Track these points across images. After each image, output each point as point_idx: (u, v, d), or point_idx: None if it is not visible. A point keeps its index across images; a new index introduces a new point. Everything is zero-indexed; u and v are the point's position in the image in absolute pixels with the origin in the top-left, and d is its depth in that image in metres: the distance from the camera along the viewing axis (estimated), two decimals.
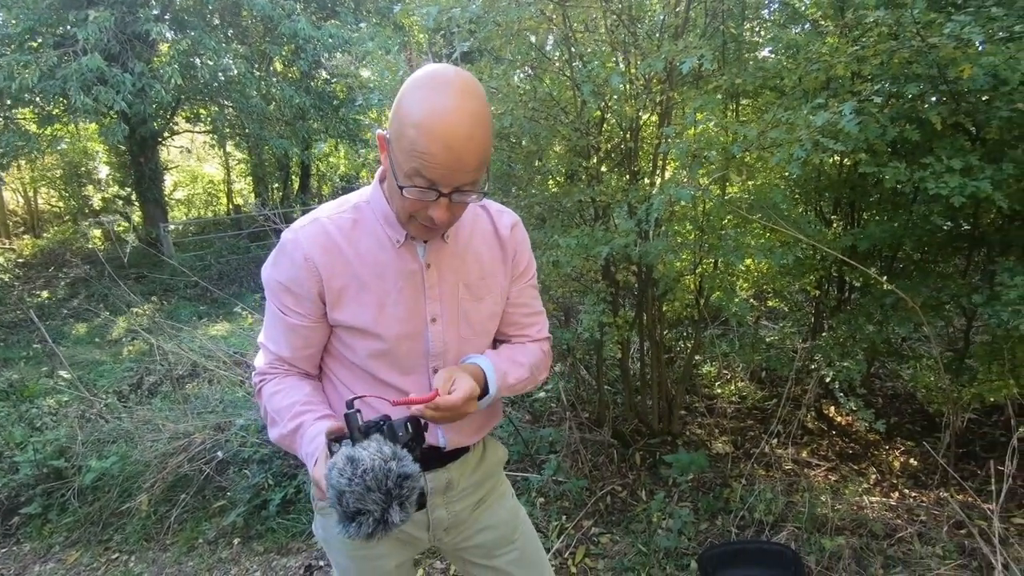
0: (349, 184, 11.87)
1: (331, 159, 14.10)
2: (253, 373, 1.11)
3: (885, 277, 2.19)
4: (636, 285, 2.72)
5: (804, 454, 2.75)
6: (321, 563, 2.44)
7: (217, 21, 10.02)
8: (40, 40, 8.15)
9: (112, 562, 2.63)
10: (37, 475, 2.96)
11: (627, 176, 2.52)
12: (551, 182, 2.86)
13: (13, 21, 7.72)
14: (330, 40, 8.89)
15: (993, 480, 1.78)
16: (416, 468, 0.85)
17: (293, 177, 13.78)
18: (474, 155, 0.87)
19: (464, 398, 0.96)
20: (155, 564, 2.57)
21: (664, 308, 2.90)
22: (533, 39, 2.53)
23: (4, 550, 2.82)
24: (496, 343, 1.19)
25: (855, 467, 2.65)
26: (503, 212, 1.14)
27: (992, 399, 2.17)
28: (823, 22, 2.52)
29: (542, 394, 3.33)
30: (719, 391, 3.46)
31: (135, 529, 2.73)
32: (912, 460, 2.66)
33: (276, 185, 14.05)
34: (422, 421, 0.95)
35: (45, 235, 13.24)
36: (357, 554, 1.18)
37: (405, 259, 1.03)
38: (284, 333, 1.05)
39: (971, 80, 1.71)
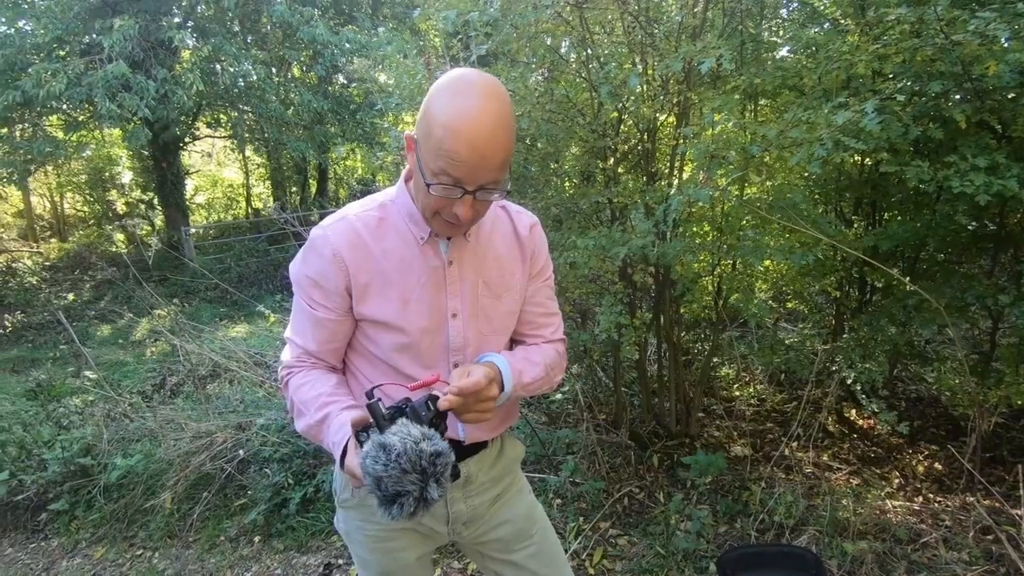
0: (366, 187, 11.98)
1: (348, 163, 14.24)
2: (279, 367, 1.14)
3: (908, 278, 2.16)
4: (653, 286, 2.71)
5: (825, 457, 2.72)
6: (340, 561, 2.46)
7: (237, 28, 10.20)
8: (67, 49, 8.37)
9: (137, 558, 2.68)
10: (64, 472, 3.03)
11: (644, 177, 2.52)
12: (568, 184, 2.86)
13: (42, 31, 7.93)
14: (347, 45, 9.00)
15: (1021, 485, 1.75)
16: (445, 444, 0.88)
17: (311, 181, 13.93)
18: (497, 154, 0.90)
19: (483, 379, 0.97)
20: (178, 561, 2.61)
21: (682, 310, 2.89)
22: (549, 41, 2.54)
23: (33, 545, 2.89)
24: (512, 343, 1.21)
25: (877, 471, 2.60)
26: (522, 213, 1.17)
27: (1020, 402, 2.12)
28: (843, 21, 2.49)
29: (559, 395, 3.33)
30: (737, 393, 3.43)
31: (159, 526, 2.78)
32: (936, 464, 2.61)
33: (294, 189, 14.22)
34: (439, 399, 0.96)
35: (71, 239, 13.55)
36: (378, 547, 1.20)
37: (428, 256, 1.06)
38: (311, 327, 1.08)
39: (996, 77, 1.69)
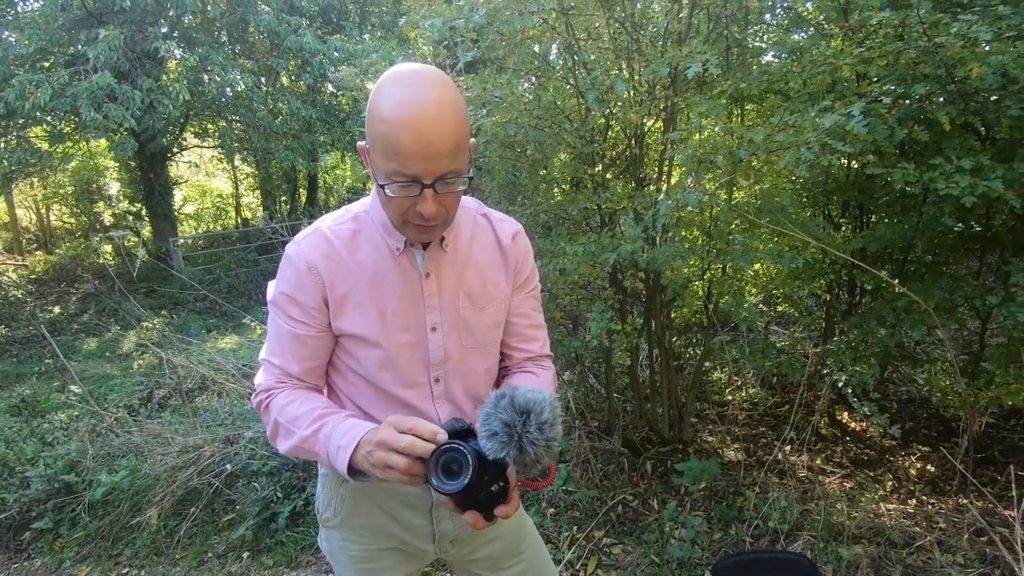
0: (356, 195, 11.93)
1: (337, 171, 14.21)
2: (255, 391, 1.10)
3: (896, 280, 2.16)
4: (644, 292, 2.71)
5: (818, 461, 2.71)
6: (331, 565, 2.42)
7: (224, 38, 10.16)
8: (52, 59, 8.29)
9: None
10: (48, 490, 2.96)
11: (633, 183, 2.52)
12: (556, 190, 2.86)
13: (25, 41, 7.84)
14: (336, 54, 8.99)
15: (1014, 485, 1.74)
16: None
17: (300, 190, 13.89)
18: (446, 140, 0.85)
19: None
20: None
21: (673, 315, 2.88)
22: (537, 48, 2.53)
23: (16, 565, 2.82)
24: (501, 356, 1.18)
25: (871, 474, 2.60)
26: (505, 221, 1.14)
27: (1011, 402, 2.13)
28: (827, 25, 2.51)
29: None
30: (730, 398, 3.42)
31: (145, 543, 2.72)
32: (929, 466, 2.61)
33: (284, 198, 14.16)
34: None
35: (57, 251, 13.39)
36: (363, 568, 1.17)
37: (404, 268, 1.03)
38: (291, 346, 1.05)
39: (980, 79, 1.70)
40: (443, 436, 0.87)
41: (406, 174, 0.86)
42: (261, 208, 14.17)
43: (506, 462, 0.85)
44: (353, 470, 0.93)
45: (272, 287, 1.07)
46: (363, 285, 1.02)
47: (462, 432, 0.90)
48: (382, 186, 0.89)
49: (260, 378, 1.09)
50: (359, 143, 0.95)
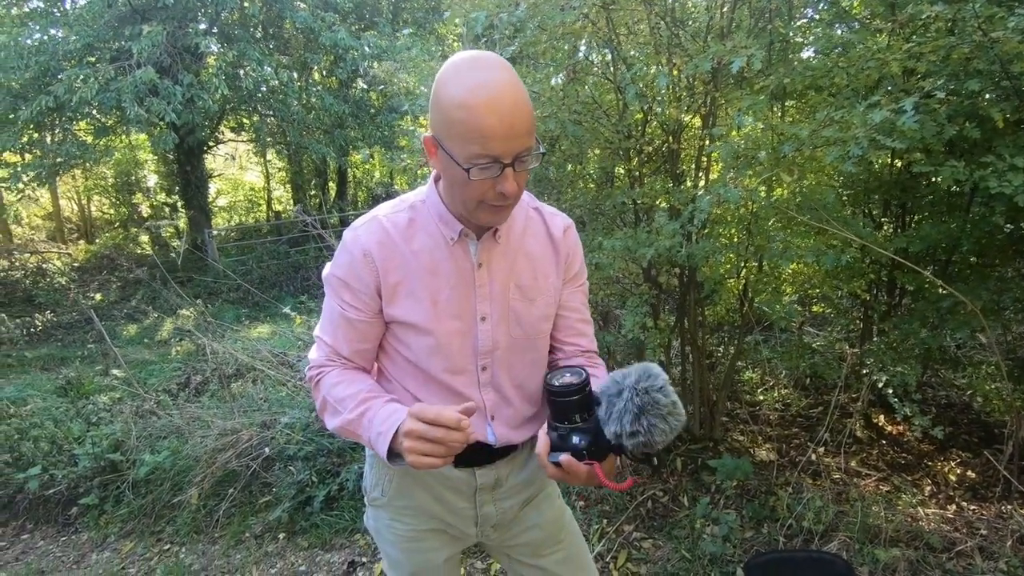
0: (386, 189, 12.09)
1: (367, 166, 14.37)
2: (307, 367, 1.13)
3: (940, 280, 2.12)
4: (678, 288, 2.69)
5: (853, 463, 2.67)
6: (363, 559, 2.48)
7: (260, 34, 10.36)
8: (98, 55, 8.56)
9: (164, 553, 2.72)
10: (94, 468, 3.09)
11: (669, 179, 2.51)
12: (591, 185, 2.86)
13: (74, 38, 8.12)
14: (368, 50, 9.10)
15: None
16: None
17: (331, 184, 14.10)
18: (523, 119, 0.89)
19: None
20: (204, 556, 2.65)
21: (706, 312, 2.86)
22: (577, 43, 2.54)
23: (64, 538, 2.95)
24: (552, 349, 1.20)
25: (908, 478, 2.55)
26: (556, 215, 1.16)
27: None
28: (873, 20, 2.46)
29: None
30: (762, 398, 3.38)
31: (185, 521, 2.82)
32: (970, 472, 2.55)
33: (313, 192, 14.38)
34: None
35: (97, 240, 13.85)
36: (408, 547, 1.20)
37: (458, 257, 1.05)
38: (342, 328, 1.08)
39: None
40: (466, 422, 0.91)
41: (489, 155, 0.88)
42: (292, 201, 14.42)
43: (605, 423, 0.91)
44: (393, 454, 0.96)
45: (328, 267, 1.10)
46: (417, 273, 1.04)
47: (579, 387, 0.95)
48: (466, 170, 0.90)
49: (313, 354, 1.13)
50: (424, 135, 0.97)
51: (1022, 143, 1.83)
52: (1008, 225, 2.21)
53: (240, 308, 8.17)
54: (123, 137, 11.29)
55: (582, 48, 2.81)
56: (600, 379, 1.11)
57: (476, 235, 1.05)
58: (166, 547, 2.76)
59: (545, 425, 0.99)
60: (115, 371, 4.68)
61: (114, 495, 3.03)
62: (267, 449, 2.98)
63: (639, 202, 2.51)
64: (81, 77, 7.55)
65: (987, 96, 1.90)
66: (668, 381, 0.91)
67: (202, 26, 8.94)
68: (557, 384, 0.95)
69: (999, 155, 1.77)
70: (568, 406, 0.94)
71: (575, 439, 0.93)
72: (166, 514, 2.92)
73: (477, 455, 1.12)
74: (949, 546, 2.08)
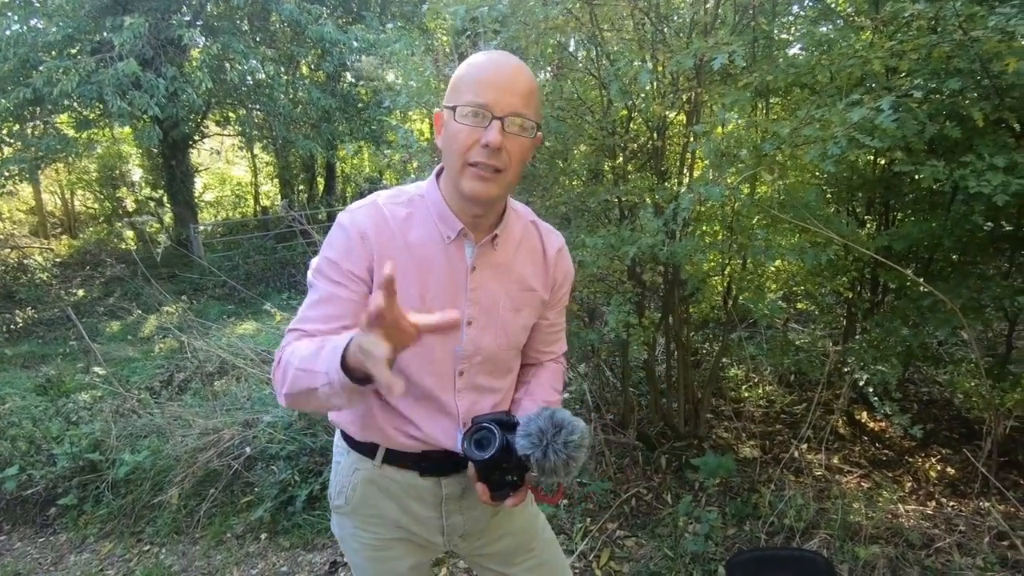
0: (374, 185, 12.00)
1: (355, 161, 14.27)
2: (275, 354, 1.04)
3: (922, 279, 2.12)
4: (662, 286, 2.69)
5: (835, 460, 2.68)
6: (345, 559, 2.46)
7: (246, 26, 10.23)
8: (78, 47, 8.41)
9: (144, 554, 2.69)
10: (73, 467, 3.04)
11: (654, 176, 2.50)
12: (576, 182, 2.84)
13: (53, 29, 7.97)
14: (356, 43, 9.01)
15: None
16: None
17: (318, 179, 13.98)
18: (522, 80, 0.94)
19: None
20: (185, 557, 2.62)
21: (691, 309, 2.86)
22: (559, 39, 2.52)
23: (42, 539, 2.90)
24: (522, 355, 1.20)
25: (889, 474, 2.57)
26: (552, 232, 1.17)
27: None
28: (857, 18, 2.46)
29: (566, 395, 3.31)
30: (746, 395, 3.40)
31: (166, 522, 2.79)
32: (949, 468, 2.58)
33: (301, 187, 14.26)
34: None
35: (81, 236, 13.66)
36: (372, 555, 1.17)
37: (452, 257, 1.03)
38: (324, 307, 1.00)
39: (1016, 74, 1.65)
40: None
41: (478, 102, 0.92)
42: (279, 196, 14.30)
43: (528, 462, 0.96)
44: (348, 369, 0.84)
45: (314, 262, 1.05)
46: (409, 267, 1.02)
47: (508, 424, 1.01)
48: (453, 108, 0.94)
49: (282, 344, 1.03)
50: (435, 111, 1.01)
51: (1001, 142, 1.84)
52: (988, 224, 2.23)
53: (226, 305, 8.09)
54: (106, 131, 11.12)
55: (571, 44, 2.79)
56: (554, 375, 1.24)
57: (475, 238, 1.04)
58: (146, 548, 2.73)
59: (473, 472, 1.03)
60: (96, 369, 4.61)
61: (93, 495, 2.98)
62: (249, 448, 2.95)
63: (624, 199, 2.50)
64: (61, 69, 7.41)
65: (968, 95, 1.90)
66: (581, 431, 0.97)
67: (186, 18, 8.80)
68: (480, 457, 0.99)
69: (979, 154, 1.78)
70: (496, 464, 1.00)
71: (508, 477, 1.03)
72: (146, 514, 2.88)
73: (443, 464, 1.11)
74: (928, 543, 2.10)
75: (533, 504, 1.28)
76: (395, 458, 1.11)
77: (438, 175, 1.06)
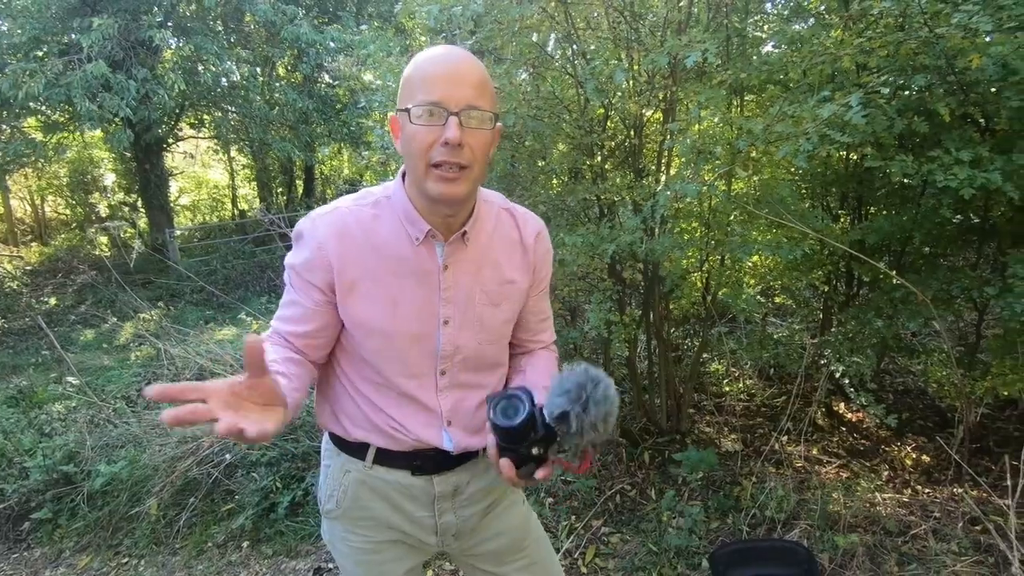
0: (353, 187, 11.88)
1: (334, 162, 14.13)
2: None
3: (894, 271, 2.17)
4: (643, 283, 2.71)
5: (815, 451, 2.73)
6: (330, 565, 2.43)
7: (220, 27, 10.06)
8: (45, 49, 8.20)
9: (122, 566, 2.63)
10: (47, 480, 2.96)
11: (632, 174, 2.51)
12: (555, 181, 2.85)
13: (19, 31, 7.76)
14: (332, 44, 8.91)
15: (1008, 475, 1.76)
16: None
17: (297, 181, 13.81)
18: (472, 72, 0.92)
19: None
20: (165, 568, 2.57)
21: (671, 306, 2.89)
22: (535, 37, 2.52)
23: (15, 555, 2.83)
24: (511, 345, 1.18)
25: (867, 464, 2.62)
26: (528, 218, 1.13)
27: (1006, 393, 2.14)
28: (827, 15, 2.50)
29: None
30: (727, 389, 3.44)
31: (144, 533, 2.73)
32: (924, 456, 2.63)
33: (280, 189, 14.07)
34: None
35: (52, 242, 13.32)
36: (364, 559, 1.16)
37: (423, 258, 1.01)
38: (288, 308, 1.04)
39: (980, 70, 1.70)
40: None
41: (431, 100, 0.90)
42: (258, 200, 14.10)
43: (563, 424, 0.87)
44: None
45: (289, 255, 1.06)
46: (377, 272, 1.00)
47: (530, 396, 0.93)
48: (407, 111, 0.91)
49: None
50: (390, 114, 0.99)
51: (967, 137, 1.88)
52: (956, 217, 2.28)
53: (204, 310, 7.94)
54: (76, 134, 10.86)
55: (551, 43, 2.80)
56: (550, 364, 1.16)
57: (444, 237, 1.02)
58: (124, 561, 2.67)
59: (493, 447, 0.94)
60: (70, 379, 4.50)
61: (68, 508, 2.91)
62: (229, 456, 2.90)
63: (602, 198, 2.51)
64: (28, 72, 7.22)
65: (934, 91, 1.94)
66: (612, 384, 0.90)
67: (157, 19, 8.62)
68: (508, 425, 0.90)
69: (946, 149, 1.82)
70: (523, 435, 0.91)
71: (535, 450, 0.93)
72: (124, 526, 2.82)
73: (434, 462, 1.10)
74: (905, 530, 2.14)
75: (525, 503, 1.27)
76: (386, 457, 1.09)
77: (404, 175, 1.03)
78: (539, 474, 0.93)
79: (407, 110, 0.91)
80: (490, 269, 1.06)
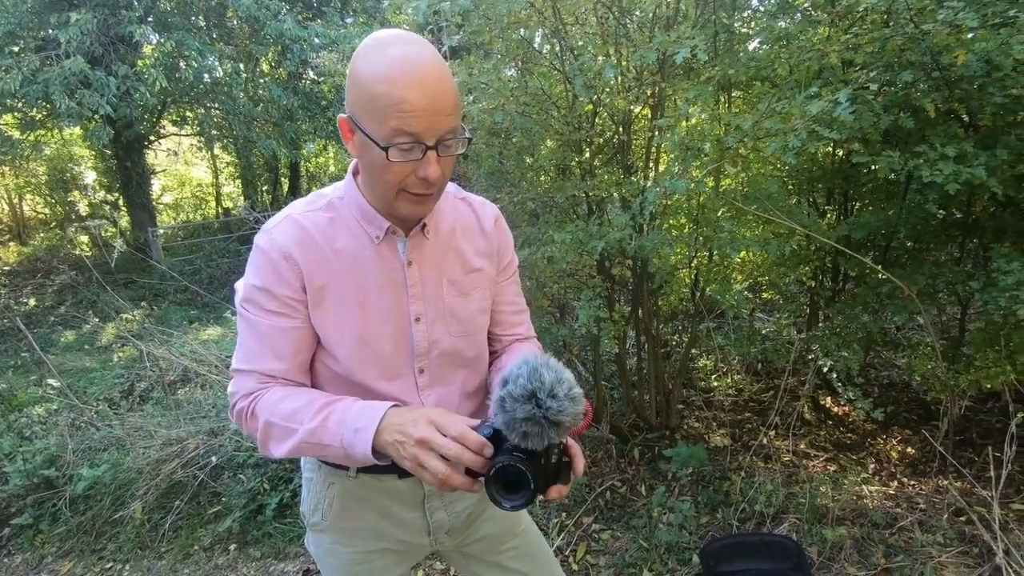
0: None
1: (320, 160, 14.01)
2: (233, 402, 0.98)
3: (880, 266, 2.19)
4: (631, 279, 2.71)
5: (802, 445, 2.75)
6: (318, 567, 2.41)
7: (202, 23, 9.91)
8: (21, 44, 8.02)
9: (106, 571, 2.59)
10: (27, 485, 2.90)
11: (620, 170, 2.51)
12: (543, 178, 2.84)
13: None
14: (317, 40, 8.82)
15: (992, 467, 1.78)
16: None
17: (282, 179, 13.67)
18: (448, 96, 0.84)
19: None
20: (150, 572, 2.53)
21: (660, 302, 2.89)
22: (523, 32, 2.50)
23: None
24: (489, 341, 1.16)
25: (853, 457, 2.65)
26: (485, 204, 1.11)
27: (989, 385, 2.17)
28: (814, 12, 2.51)
29: None
30: (716, 384, 3.46)
31: (129, 537, 2.69)
32: (910, 449, 2.67)
33: (265, 187, 13.92)
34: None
35: (31, 242, 13.06)
36: (354, 570, 1.14)
37: (385, 257, 0.98)
38: (272, 342, 0.96)
39: (965, 66, 1.71)
40: (490, 450, 0.82)
41: (409, 132, 0.82)
42: (242, 197, 13.93)
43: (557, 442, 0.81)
44: (375, 452, 0.86)
45: (241, 286, 0.99)
46: (341, 276, 0.97)
47: (493, 438, 0.83)
48: (384, 149, 0.83)
49: (234, 387, 0.99)
50: (340, 116, 0.90)
51: (952, 133, 1.90)
52: (940, 212, 2.30)
53: (188, 310, 7.84)
54: (55, 132, 10.65)
55: (537, 39, 2.78)
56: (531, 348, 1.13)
57: (404, 232, 0.99)
58: (108, 566, 2.62)
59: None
60: (50, 381, 4.41)
61: (50, 513, 2.85)
62: (215, 457, 2.86)
63: (591, 194, 2.50)
64: (3, 68, 7.06)
65: (920, 87, 1.96)
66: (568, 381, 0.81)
67: (137, 14, 8.47)
68: (519, 503, 0.81)
69: (931, 144, 1.83)
70: (541, 469, 0.83)
71: (553, 459, 0.87)
72: (107, 531, 2.77)
73: None
74: (891, 522, 2.16)
75: None
76: (371, 465, 1.08)
77: (355, 173, 0.99)
78: (579, 468, 0.90)
79: (375, 142, 0.84)
80: (454, 259, 1.04)
